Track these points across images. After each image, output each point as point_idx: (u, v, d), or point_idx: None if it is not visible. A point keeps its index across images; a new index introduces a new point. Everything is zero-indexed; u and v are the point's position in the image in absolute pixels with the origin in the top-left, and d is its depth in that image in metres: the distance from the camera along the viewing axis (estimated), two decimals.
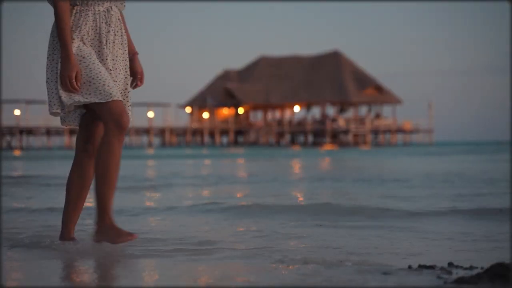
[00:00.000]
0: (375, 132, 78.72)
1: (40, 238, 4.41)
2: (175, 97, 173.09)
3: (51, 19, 3.90)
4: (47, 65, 3.87)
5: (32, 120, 70.13)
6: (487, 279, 2.82)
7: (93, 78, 3.80)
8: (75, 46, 3.83)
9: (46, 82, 3.86)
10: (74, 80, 3.75)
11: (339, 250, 4.03)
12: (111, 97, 3.80)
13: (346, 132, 75.92)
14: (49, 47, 3.89)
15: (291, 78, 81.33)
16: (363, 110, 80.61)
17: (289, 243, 4.35)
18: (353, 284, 2.97)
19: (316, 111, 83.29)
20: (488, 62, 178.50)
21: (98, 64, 3.84)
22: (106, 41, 3.90)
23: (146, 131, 76.16)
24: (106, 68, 3.89)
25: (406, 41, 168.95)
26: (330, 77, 79.74)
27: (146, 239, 4.46)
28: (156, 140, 78.53)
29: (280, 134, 79.65)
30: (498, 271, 2.86)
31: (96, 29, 3.88)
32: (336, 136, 76.80)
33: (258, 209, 6.60)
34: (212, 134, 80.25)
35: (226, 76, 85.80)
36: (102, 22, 3.90)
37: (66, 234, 4.10)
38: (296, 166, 21.06)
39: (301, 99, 79.17)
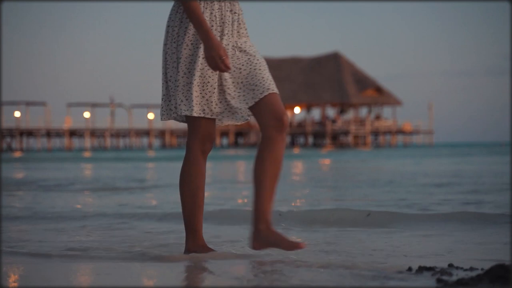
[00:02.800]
0: (375, 133, 78.71)
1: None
2: None
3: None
4: (166, 74, 3.64)
5: (32, 122, 70.14)
6: (488, 281, 2.82)
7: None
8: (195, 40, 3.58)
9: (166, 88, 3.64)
10: (223, 58, 3.47)
11: (339, 251, 4.03)
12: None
13: (346, 133, 75.90)
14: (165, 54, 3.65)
15: (291, 80, 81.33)
16: (363, 111, 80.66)
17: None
18: (353, 284, 2.97)
19: (316, 113, 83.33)
20: (488, 63, 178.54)
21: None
22: (231, 31, 3.64)
23: (146, 133, 76.14)
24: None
25: (406, 43, 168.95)
26: (330, 79, 79.76)
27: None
28: (156, 142, 78.56)
29: None
30: (498, 273, 2.86)
31: (221, 19, 3.62)
32: (336, 138, 76.79)
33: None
34: None
35: None
36: (227, 11, 3.65)
37: (198, 244, 3.77)
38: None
39: (301, 100, 79.18)
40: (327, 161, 27.94)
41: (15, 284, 3.10)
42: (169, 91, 3.65)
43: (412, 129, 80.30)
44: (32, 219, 6.35)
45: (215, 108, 3.60)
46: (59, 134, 72.30)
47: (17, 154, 52.32)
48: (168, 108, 3.66)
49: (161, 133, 77.27)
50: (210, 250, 3.78)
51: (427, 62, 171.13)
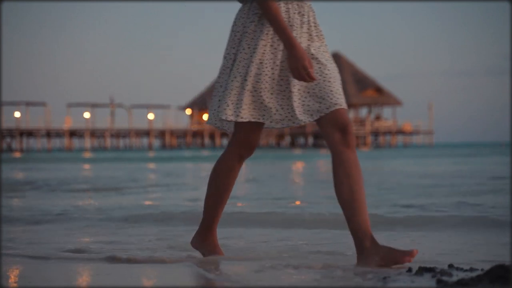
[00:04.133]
0: (375, 133, 78.70)
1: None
2: (175, 99, 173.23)
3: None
4: (224, 72, 3.52)
5: (32, 122, 70.14)
6: (488, 281, 2.82)
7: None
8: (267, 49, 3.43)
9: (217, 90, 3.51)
10: (309, 70, 3.31)
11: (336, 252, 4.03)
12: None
13: None
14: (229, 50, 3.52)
15: None
16: (363, 111, 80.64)
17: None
18: (353, 285, 2.97)
19: None
20: (488, 63, 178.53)
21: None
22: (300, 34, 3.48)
23: (146, 133, 76.12)
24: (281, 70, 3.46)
25: (406, 43, 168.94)
26: None
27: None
28: (156, 142, 78.56)
29: (280, 136, 79.63)
30: (498, 273, 2.85)
31: (289, 22, 3.46)
32: None
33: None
34: (212, 136, 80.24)
35: None
36: (295, 13, 3.48)
37: (206, 242, 3.73)
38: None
39: None
40: (323, 162, 27.94)
41: (15, 285, 3.10)
42: (218, 95, 3.50)
43: (412, 129, 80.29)
44: (32, 220, 6.34)
45: (275, 114, 3.43)
46: (59, 134, 72.31)
47: (17, 155, 52.30)
48: (216, 112, 3.48)
49: (161, 134, 77.26)
50: (219, 250, 3.74)
51: (427, 62, 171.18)
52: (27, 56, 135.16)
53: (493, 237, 4.78)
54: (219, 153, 48.31)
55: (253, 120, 3.44)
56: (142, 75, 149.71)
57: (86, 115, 72.93)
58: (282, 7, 3.44)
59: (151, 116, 75.75)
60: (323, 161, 28.40)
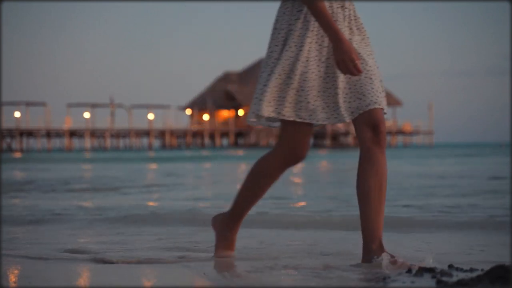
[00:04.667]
0: None
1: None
2: (175, 99, 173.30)
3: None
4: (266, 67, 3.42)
5: (32, 122, 70.16)
6: (488, 281, 2.82)
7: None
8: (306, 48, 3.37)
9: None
10: (356, 62, 3.26)
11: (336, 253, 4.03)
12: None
13: (346, 134, 75.89)
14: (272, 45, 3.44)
15: None
16: None
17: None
18: (353, 286, 2.97)
19: None
20: (488, 63, 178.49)
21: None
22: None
23: (146, 133, 76.13)
24: (327, 66, 3.39)
25: (406, 43, 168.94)
26: None
27: None
28: (156, 142, 78.58)
29: None
30: (498, 273, 2.85)
31: (333, 16, 3.38)
32: (336, 138, 76.77)
33: None
34: (212, 136, 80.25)
35: (226, 78, 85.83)
36: (338, 7, 3.42)
37: (230, 238, 3.70)
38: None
39: None
40: (324, 163, 27.93)
41: (15, 285, 3.10)
42: (259, 93, 3.40)
43: (412, 130, 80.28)
44: (32, 220, 6.34)
45: (321, 113, 3.37)
46: (59, 134, 72.32)
47: (17, 155, 52.30)
48: (257, 108, 3.40)
49: (161, 134, 77.27)
50: (232, 245, 3.69)
51: (427, 62, 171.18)
52: (27, 56, 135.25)
53: (493, 237, 4.78)
54: (219, 153, 48.23)
55: (298, 120, 3.37)
56: (142, 75, 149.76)
57: (86, 115, 72.95)
58: (325, 1, 3.37)
59: (151, 116, 75.78)
60: (323, 162, 28.39)
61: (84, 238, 4.97)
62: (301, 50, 3.36)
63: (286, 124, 3.42)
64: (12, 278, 3.28)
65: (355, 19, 3.46)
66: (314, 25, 3.38)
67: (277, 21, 3.45)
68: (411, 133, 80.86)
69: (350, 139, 74.87)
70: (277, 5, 3.50)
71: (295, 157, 3.47)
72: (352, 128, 75.04)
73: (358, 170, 3.38)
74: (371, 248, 3.36)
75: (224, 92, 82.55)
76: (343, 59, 3.26)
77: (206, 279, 3.24)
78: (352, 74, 3.27)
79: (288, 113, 3.37)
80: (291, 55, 3.37)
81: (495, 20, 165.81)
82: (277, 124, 3.50)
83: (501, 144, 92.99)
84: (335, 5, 3.39)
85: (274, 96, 3.36)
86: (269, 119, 3.46)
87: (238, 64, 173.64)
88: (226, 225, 3.67)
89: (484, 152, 48.35)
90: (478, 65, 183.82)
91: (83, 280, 3.27)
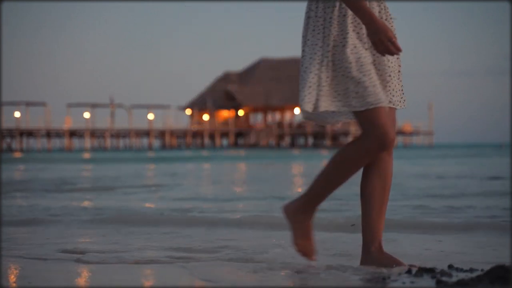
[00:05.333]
0: None
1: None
2: (175, 99, 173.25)
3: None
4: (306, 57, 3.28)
5: (32, 122, 70.15)
6: (488, 281, 2.82)
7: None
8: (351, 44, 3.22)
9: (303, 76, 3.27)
10: (394, 40, 3.15)
11: (339, 252, 4.03)
12: (376, 103, 3.23)
13: (346, 134, 75.88)
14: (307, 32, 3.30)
15: (291, 80, 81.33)
16: None
17: None
18: (353, 286, 2.97)
19: None
20: (488, 63, 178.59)
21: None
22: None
23: (146, 133, 76.14)
24: (373, 55, 3.28)
25: (406, 43, 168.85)
26: None
27: None
28: (156, 142, 78.58)
29: (280, 136, 79.62)
30: (498, 273, 2.85)
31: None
32: (336, 138, 76.77)
33: None
34: (212, 136, 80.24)
35: (226, 78, 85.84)
36: (373, 7, 3.31)
37: (305, 220, 3.49)
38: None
39: None
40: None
41: (15, 285, 3.10)
42: (316, 88, 3.25)
43: (412, 130, 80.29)
44: (32, 220, 6.34)
45: (394, 97, 3.42)
46: (59, 134, 72.31)
47: (17, 155, 52.29)
48: (335, 103, 3.27)
49: (161, 134, 77.26)
50: (310, 232, 3.52)
51: (427, 62, 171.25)
52: (27, 56, 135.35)
53: (493, 238, 4.78)
54: (219, 153, 48.13)
55: (391, 106, 3.40)
56: (142, 75, 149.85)
57: (86, 115, 72.94)
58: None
59: (151, 116, 75.76)
60: (323, 162, 28.41)
61: (83, 238, 4.97)
62: (345, 38, 3.22)
63: (375, 112, 3.28)
64: (12, 278, 3.28)
65: (384, 10, 3.37)
66: (350, 12, 3.25)
67: (310, 9, 3.30)
68: (411, 134, 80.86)
69: (350, 139, 74.88)
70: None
71: (390, 142, 3.37)
72: (352, 128, 75.06)
73: (363, 170, 3.36)
74: (370, 249, 3.34)
75: (224, 92, 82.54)
76: (379, 38, 3.14)
77: (206, 280, 3.24)
78: (391, 53, 3.15)
79: (382, 98, 3.26)
80: (337, 44, 3.23)
81: (495, 20, 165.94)
82: (331, 120, 3.40)
83: (501, 145, 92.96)
84: (370, 4, 3.28)
85: (354, 87, 3.22)
86: (323, 113, 3.32)
87: (238, 64, 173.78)
88: (302, 212, 3.49)
89: (484, 152, 48.33)
90: (478, 65, 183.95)
91: (82, 280, 3.27)
